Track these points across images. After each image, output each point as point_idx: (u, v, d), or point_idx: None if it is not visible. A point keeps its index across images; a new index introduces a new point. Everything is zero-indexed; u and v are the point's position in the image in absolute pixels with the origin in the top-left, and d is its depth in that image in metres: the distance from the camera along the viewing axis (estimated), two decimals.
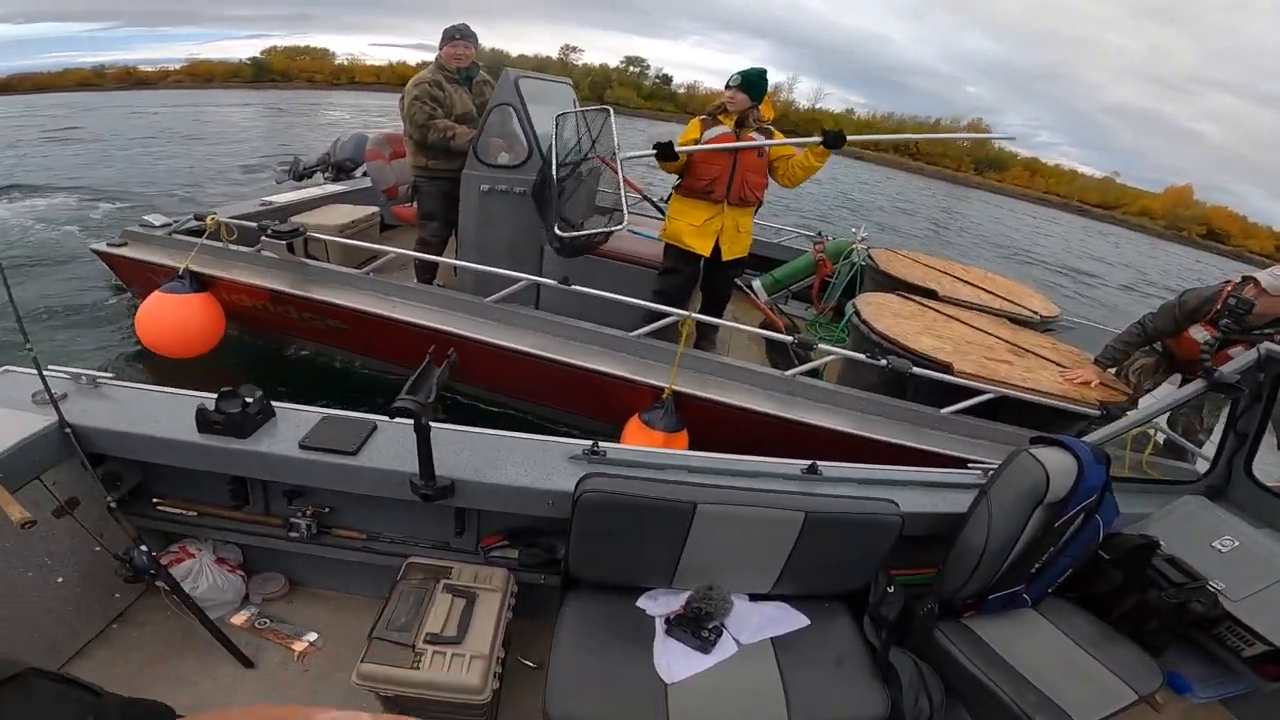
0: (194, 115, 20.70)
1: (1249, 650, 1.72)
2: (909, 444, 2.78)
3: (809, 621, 1.63)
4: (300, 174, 5.01)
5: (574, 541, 1.52)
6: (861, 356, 2.90)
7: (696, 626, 1.53)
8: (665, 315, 2.95)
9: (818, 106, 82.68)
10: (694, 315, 2.88)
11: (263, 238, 3.29)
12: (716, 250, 3.28)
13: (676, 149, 3.06)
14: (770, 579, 1.63)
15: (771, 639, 1.58)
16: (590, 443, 1.70)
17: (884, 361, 2.84)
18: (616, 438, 2.93)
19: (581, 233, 3.10)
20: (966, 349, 3.07)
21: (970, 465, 1.98)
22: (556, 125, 3.26)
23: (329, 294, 3.25)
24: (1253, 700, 1.84)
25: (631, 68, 75.46)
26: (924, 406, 2.86)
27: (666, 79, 78.12)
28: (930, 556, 1.80)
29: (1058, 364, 3.15)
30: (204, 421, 1.62)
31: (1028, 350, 3.24)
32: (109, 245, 3.58)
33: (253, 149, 14.12)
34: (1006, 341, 3.29)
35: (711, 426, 2.87)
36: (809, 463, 1.81)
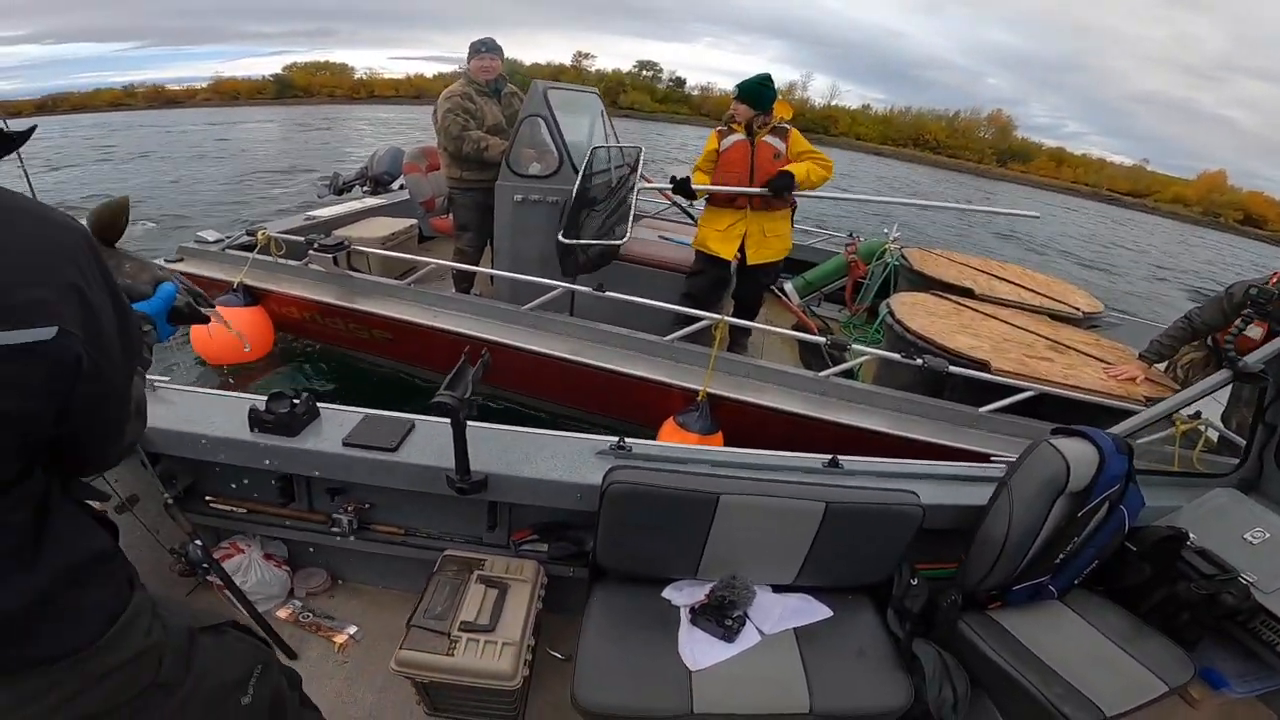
0: (221, 133, 21.46)
1: None
2: (947, 443, 2.76)
3: (832, 613, 1.65)
4: (340, 188, 5.18)
5: (601, 533, 1.57)
6: (896, 356, 2.89)
7: (720, 615, 1.57)
8: (698, 319, 2.99)
9: (834, 103, 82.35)
10: (727, 319, 2.91)
11: (310, 251, 3.43)
12: (743, 254, 3.32)
13: (694, 188, 3.32)
14: (793, 570, 1.65)
15: (794, 629, 1.61)
16: (616, 439, 1.77)
17: (920, 361, 2.83)
18: (653, 440, 2.98)
19: (580, 241, 3.17)
20: (1005, 347, 3.04)
21: (993, 460, 1.99)
22: (591, 157, 3.46)
23: (374, 305, 3.38)
24: None
25: (644, 72, 75.37)
26: (962, 405, 2.84)
27: (680, 82, 78.11)
28: (952, 551, 1.81)
29: (1101, 360, 3.09)
30: (256, 420, 1.74)
31: (1069, 347, 3.18)
32: (166, 261, 3.75)
33: (282, 163, 14.57)
34: (1046, 338, 3.24)
35: (746, 428, 2.89)
36: (830, 456, 1.85)
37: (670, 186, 3.37)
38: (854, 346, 2.89)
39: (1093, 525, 1.65)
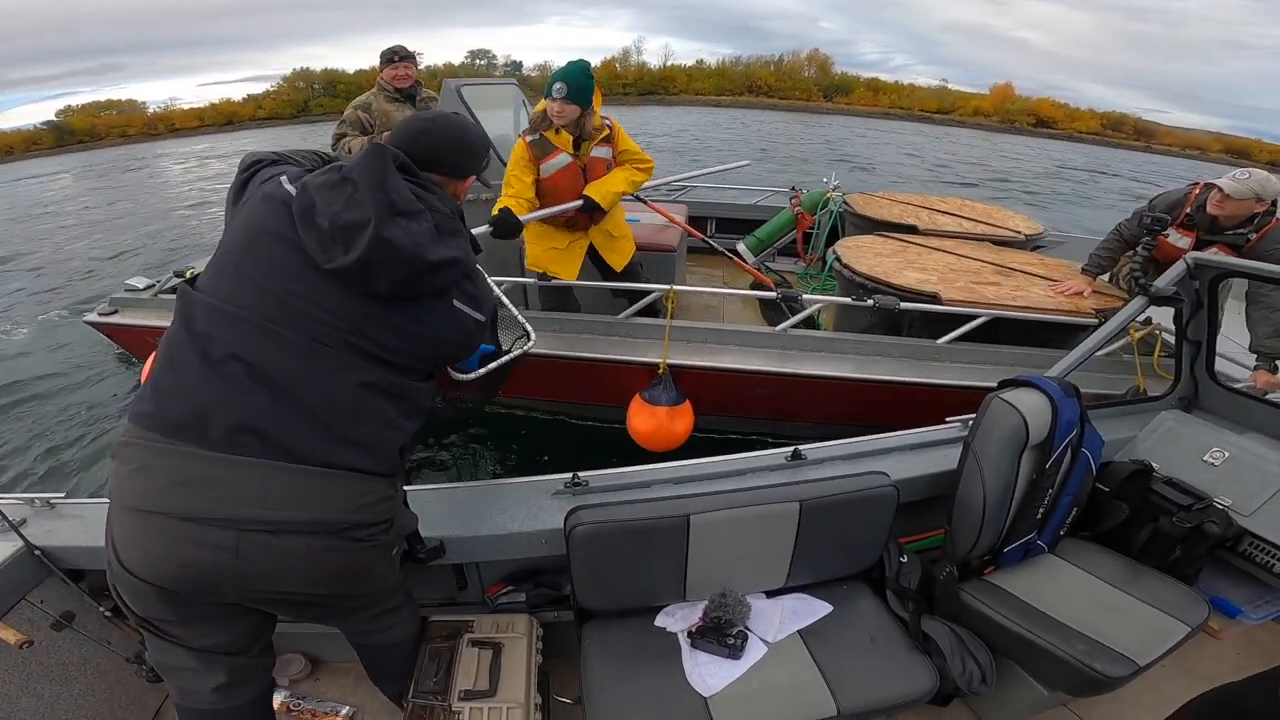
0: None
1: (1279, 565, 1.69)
2: (912, 379, 2.79)
3: (832, 607, 1.62)
4: None
5: (576, 577, 1.51)
6: (848, 300, 2.90)
7: (720, 635, 1.52)
8: (646, 294, 2.95)
9: (670, 63, 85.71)
10: (677, 287, 2.88)
11: None
12: (605, 266, 3.07)
13: (521, 219, 2.63)
14: (782, 573, 1.62)
15: (798, 631, 1.57)
16: (570, 475, 1.69)
17: (870, 301, 2.84)
18: (623, 420, 2.95)
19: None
20: (952, 276, 3.07)
21: (948, 419, 1.98)
22: None
23: None
24: None
25: (478, 61, 73.55)
26: (921, 340, 2.87)
27: (517, 65, 78.25)
28: (934, 518, 1.81)
29: (1047, 279, 3.14)
30: None
31: (1015, 269, 3.23)
32: (100, 315, 3.58)
33: (115, 212, 12.44)
34: (992, 264, 3.29)
35: (714, 393, 2.88)
36: (792, 449, 1.81)
37: (489, 230, 2.60)
38: (805, 296, 2.89)
39: (1061, 473, 1.66)
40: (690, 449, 2.88)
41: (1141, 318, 2.79)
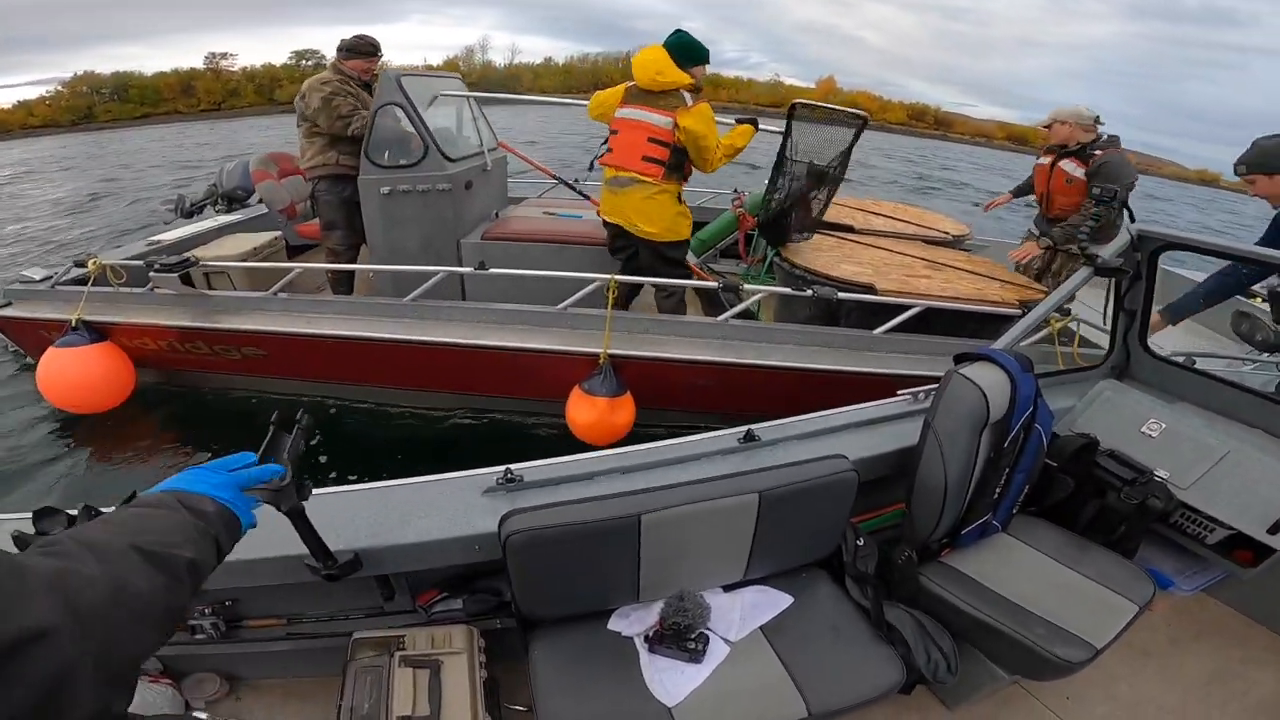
0: None
1: (1211, 537, 1.72)
2: (851, 368, 2.83)
3: (792, 599, 1.54)
4: (189, 210, 4.70)
5: (516, 586, 1.36)
6: (788, 290, 2.94)
7: (680, 640, 1.41)
8: (587, 283, 2.90)
9: (516, 62, 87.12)
10: (618, 277, 2.84)
11: (151, 274, 3.09)
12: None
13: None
14: (740, 566, 1.53)
15: (760, 628, 1.48)
16: (503, 470, 1.52)
17: (809, 291, 2.88)
18: (563, 413, 2.88)
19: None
20: (886, 270, 3.15)
21: (900, 391, 1.95)
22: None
23: (238, 321, 3.08)
24: (1238, 585, 1.84)
25: (304, 61, 66.76)
26: (858, 330, 2.92)
27: None
28: (887, 496, 1.77)
29: (974, 274, 3.26)
30: (23, 549, 1.31)
31: (945, 264, 3.34)
32: None
33: None
34: (923, 259, 3.39)
35: (655, 384, 2.85)
36: (744, 430, 1.71)
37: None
38: (746, 286, 2.90)
39: (1018, 451, 1.64)
40: (631, 442, 2.84)
41: (1060, 310, 2.94)
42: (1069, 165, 3.44)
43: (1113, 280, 2.07)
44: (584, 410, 2.75)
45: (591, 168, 3.18)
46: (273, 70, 64.83)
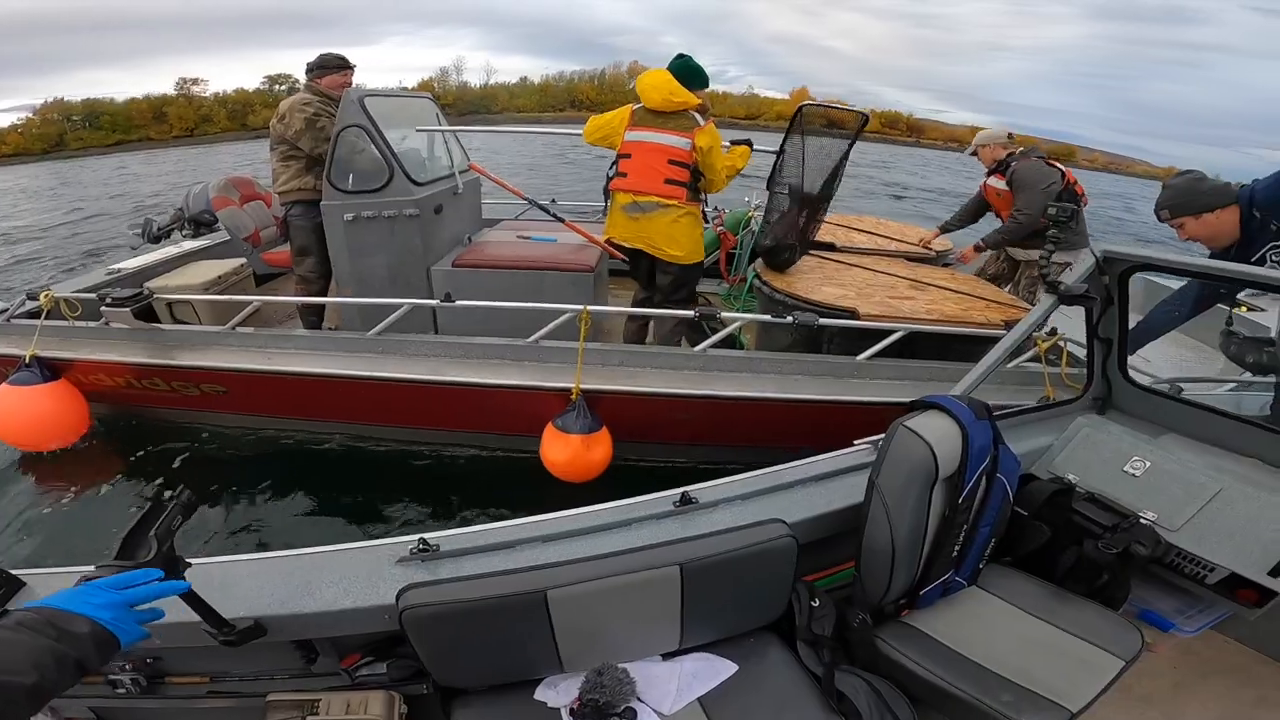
0: None
1: (1211, 577, 1.58)
2: (834, 398, 2.73)
3: (737, 666, 1.42)
4: (156, 235, 4.56)
5: (424, 658, 1.30)
6: (767, 318, 2.84)
7: (601, 717, 1.30)
8: (559, 314, 2.79)
9: (492, 81, 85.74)
10: (590, 308, 2.74)
11: (102, 308, 2.95)
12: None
13: None
14: (674, 635, 1.42)
15: (699, 699, 1.37)
16: (417, 539, 1.45)
17: (790, 318, 2.78)
18: (537, 450, 2.77)
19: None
20: (869, 291, 3.06)
21: (856, 442, 1.83)
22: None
23: (195, 358, 2.95)
24: (1245, 622, 1.71)
25: (277, 86, 65.22)
26: (841, 357, 2.82)
27: None
28: (843, 550, 1.65)
29: (958, 293, 3.18)
30: None
31: (928, 284, 3.25)
32: None
33: None
34: (906, 279, 3.30)
35: (631, 418, 2.74)
36: (680, 492, 1.60)
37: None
38: (724, 314, 2.80)
39: (976, 505, 1.51)
40: (609, 481, 2.73)
41: (1047, 328, 2.85)
42: (996, 181, 3.68)
43: (1085, 309, 1.94)
44: (558, 448, 2.64)
45: (607, 195, 3.09)
46: (245, 95, 63.57)
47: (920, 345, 2.82)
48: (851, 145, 3.19)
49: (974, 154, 3.77)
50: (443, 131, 3.76)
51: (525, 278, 3.30)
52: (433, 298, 3.26)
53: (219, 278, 3.80)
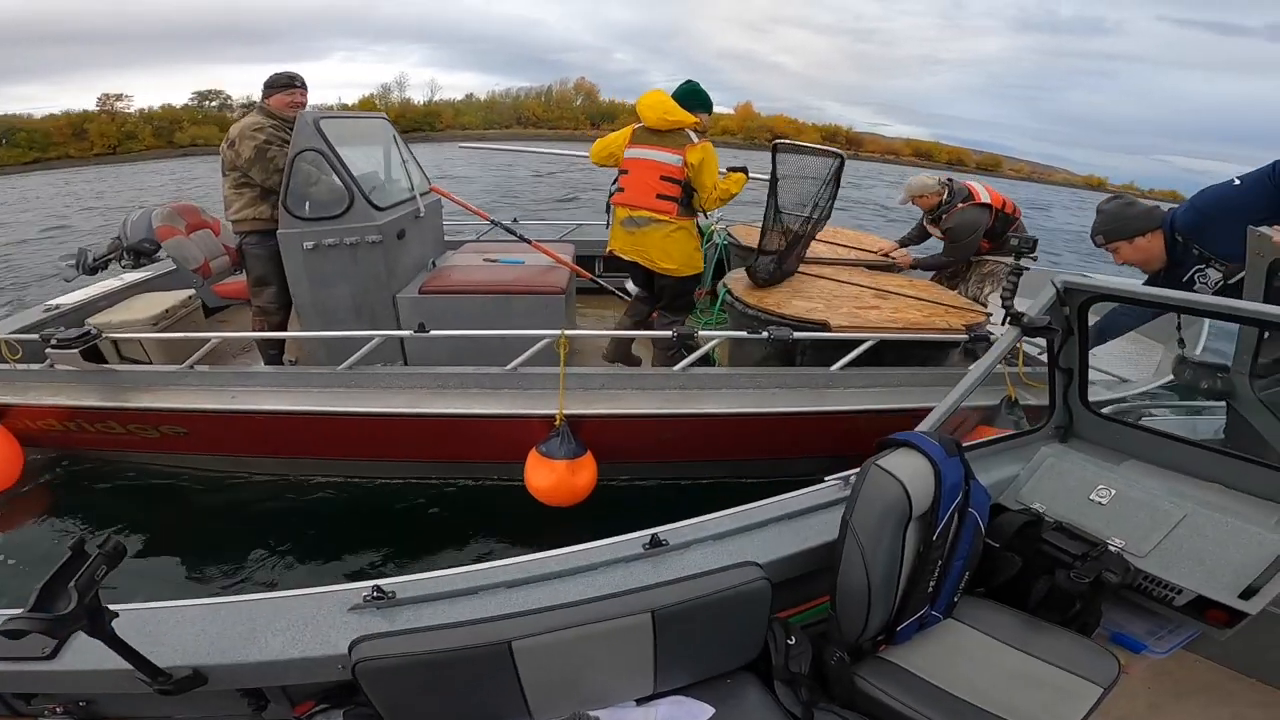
0: None
1: (1180, 599, 1.60)
2: (812, 409, 2.80)
3: (713, 710, 1.41)
4: (92, 267, 4.30)
5: (381, 712, 1.26)
6: (743, 334, 2.89)
7: None
8: (536, 340, 2.77)
9: (436, 99, 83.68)
10: (568, 333, 2.73)
11: (47, 350, 2.78)
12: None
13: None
14: (648, 681, 1.40)
15: None
16: (371, 586, 1.39)
17: (764, 334, 2.84)
18: (520, 477, 2.74)
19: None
20: (837, 303, 3.15)
21: (827, 479, 1.83)
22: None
23: (153, 399, 2.81)
24: (1215, 641, 1.71)
25: (207, 102, 63.68)
26: (815, 369, 2.89)
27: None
28: (817, 588, 1.66)
29: (918, 299, 3.30)
30: None
31: (890, 292, 3.37)
32: None
33: None
34: (870, 288, 3.41)
35: (615, 441, 2.75)
36: (650, 535, 1.58)
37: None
38: (701, 333, 2.84)
39: (949, 541, 1.54)
40: (589, 510, 2.73)
41: (1003, 329, 3.00)
42: (932, 229, 4.03)
43: (1047, 340, 1.99)
44: (542, 474, 2.62)
45: (608, 209, 3.29)
46: (172, 111, 60.23)
47: (886, 352, 2.92)
48: (830, 184, 3.29)
49: (909, 202, 3.99)
50: (493, 149, 3.69)
51: (495, 302, 3.27)
52: (398, 326, 3.20)
53: (166, 311, 3.63)
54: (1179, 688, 1.80)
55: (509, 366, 2.78)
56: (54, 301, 3.62)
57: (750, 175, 3.32)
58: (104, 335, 2.92)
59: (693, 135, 3.01)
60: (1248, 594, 1.48)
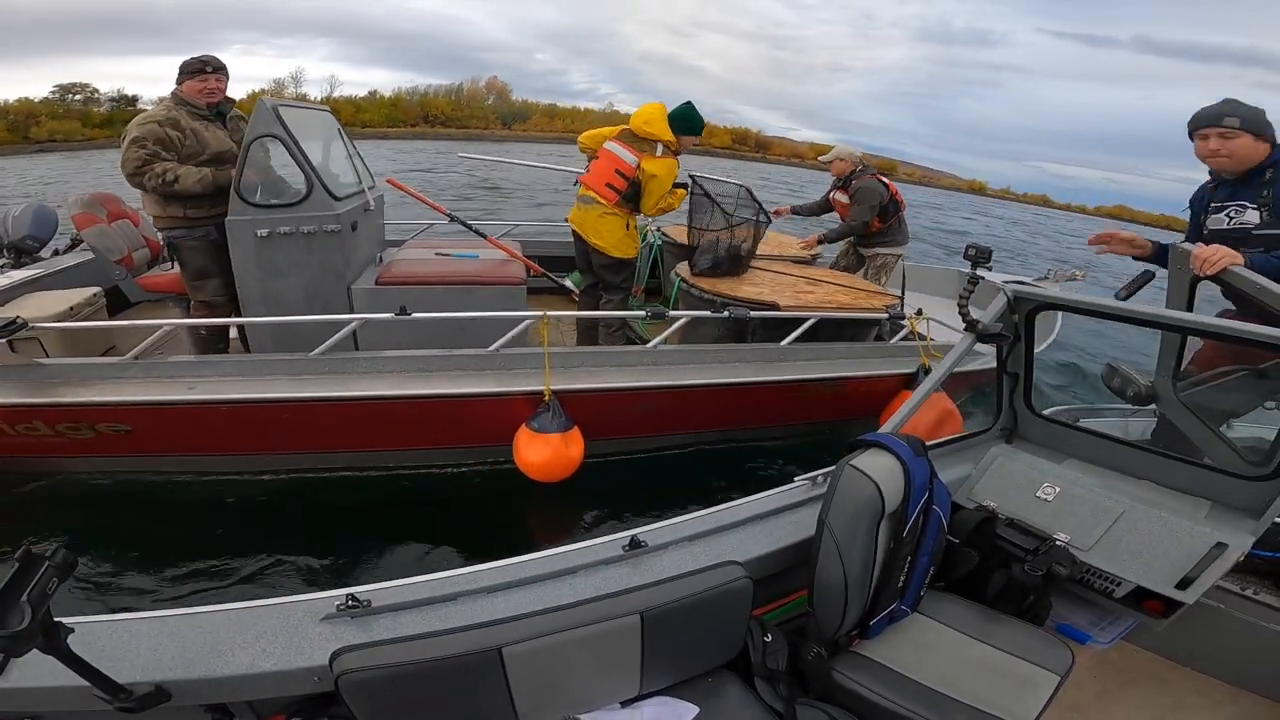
0: None
1: (1119, 590, 1.69)
2: (766, 378, 3.13)
3: (697, 709, 1.42)
4: None
5: None
6: (707, 314, 3.18)
7: None
8: (519, 321, 2.89)
9: (335, 95, 77.36)
10: (550, 314, 2.87)
11: None
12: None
13: None
14: (634, 683, 1.41)
15: None
16: (345, 594, 1.35)
17: (725, 313, 3.15)
18: (508, 456, 2.83)
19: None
20: (779, 289, 3.54)
21: (797, 478, 1.88)
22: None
23: (96, 393, 2.59)
24: (1152, 632, 1.79)
25: (69, 96, 56.97)
26: (767, 344, 3.24)
27: (130, 99, 58.43)
28: (794, 583, 1.71)
29: (839, 285, 3.78)
30: None
31: (819, 280, 3.83)
32: None
33: None
34: (802, 277, 3.85)
35: (598, 416, 2.91)
36: (629, 536, 1.58)
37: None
38: (670, 313, 3.10)
39: (917, 537, 1.62)
40: (585, 477, 2.86)
41: (914, 310, 3.54)
42: (840, 195, 4.66)
43: (996, 346, 2.06)
44: (536, 449, 2.72)
45: (576, 183, 3.72)
46: (29, 105, 51.55)
47: (822, 329, 3.33)
48: (748, 203, 3.83)
49: (829, 164, 4.65)
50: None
51: (456, 293, 3.31)
52: (351, 310, 3.15)
53: (71, 309, 3.30)
54: (1122, 676, 1.90)
55: (492, 348, 2.86)
56: None
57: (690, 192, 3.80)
58: (31, 325, 2.64)
59: (659, 148, 3.39)
60: (1184, 584, 1.58)
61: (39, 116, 50.36)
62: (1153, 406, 2.44)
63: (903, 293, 3.84)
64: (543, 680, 1.29)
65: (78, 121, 50.96)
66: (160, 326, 2.71)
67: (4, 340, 2.50)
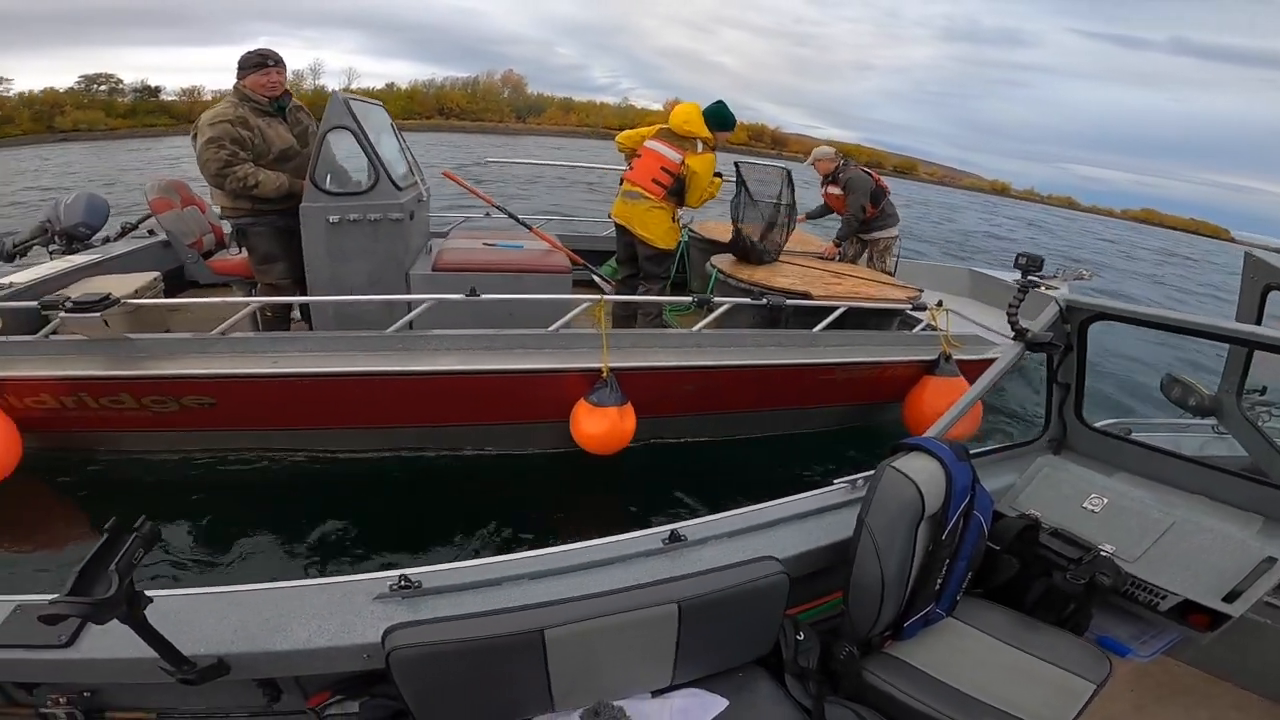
0: None
1: (1164, 604, 1.66)
2: (799, 361, 3.36)
3: (727, 702, 1.43)
4: (10, 253, 3.92)
5: (409, 702, 1.26)
6: (747, 300, 3.41)
7: None
8: (576, 304, 3.09)
9: (354, 86, 74.42)
10: (606, 297, 3.08)
11: (62, 315, 2.64)
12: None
13: None
14: (666, 673, 1.43)
15: None
16: (397, 575, 1.39)
17: (764, 301, 3.38)
18: (565, 434, 3.03)
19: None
20: (810, 281, 3.78)
21: (836, 481, 1.89)
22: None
23: (184, 366, 2.75)
24: (1195, 646, 1.76)
25: (94, 86, 56.55)
26: (799, 330, 3.47)
27: (153, 90, 58.80)
28: (828, 583, 1.72)
29: (862, 278, 4.04)
30: None
31: (843, 274, 4.08)
32: None
33: None
34: (827, 271, 4.10)
35: (648, 393, 3.11)
36: (669, 530, 1.62)
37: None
38: (715, 299, 3.33)
39: (957, 541, 1.62)
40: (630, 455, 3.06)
41: (934, 301, 3.78)
42: (832, 189, 5.10)
43: (1047, 355, 2.04)
44: (595, 421, 2.93)
45: (622, 181, 3.93)
46: (54, 95, 50.50)
47: (847, 318, 3.57)
48: (785, 191, 4.08)
49: (812, 164, 5.16)
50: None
51: (506, 280, 3.51)
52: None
53: (136, 292, 3.45)
54: (1160, 691, 1.84)
55: (551, 328, 3.07)
56: (4, 280, 3.31)
57: (724, 179, 4.03)
58: (123, 301, 2.79)
59: (699, 145, 3.66)
60: (1230, 598, 1.55)
61: (64, 106, 49.93)
62: (1212, 420, 2.44)
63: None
64: (580, 664, 1.32)
65: (101, 111, 50.63)
66: (246, 304, 2.88)
67: (99, 314, 2.65)
